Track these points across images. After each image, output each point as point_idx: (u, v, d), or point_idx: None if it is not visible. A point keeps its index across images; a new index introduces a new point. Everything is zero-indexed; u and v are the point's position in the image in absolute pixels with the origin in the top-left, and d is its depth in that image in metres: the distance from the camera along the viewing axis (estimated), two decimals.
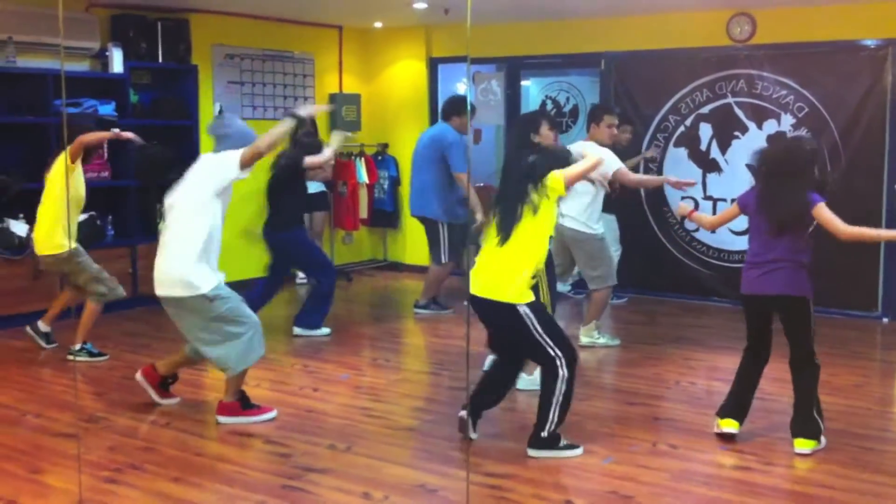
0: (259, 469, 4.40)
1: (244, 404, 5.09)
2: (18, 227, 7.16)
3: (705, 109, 8.24)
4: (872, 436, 4.87)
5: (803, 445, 4.56)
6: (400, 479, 4.27)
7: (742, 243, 8.14)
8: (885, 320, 7.63)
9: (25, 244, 7.12)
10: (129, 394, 5.62)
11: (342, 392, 5.68)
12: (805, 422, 4.58)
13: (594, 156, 4.75)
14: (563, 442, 4.55)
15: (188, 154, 8.33)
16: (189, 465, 4.44)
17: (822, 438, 4.62)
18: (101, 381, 5.88)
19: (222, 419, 5.03)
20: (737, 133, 8.13)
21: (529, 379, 5.67)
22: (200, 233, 4.82)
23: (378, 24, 9.74)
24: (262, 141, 4.83)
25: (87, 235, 6.89)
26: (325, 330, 7.12)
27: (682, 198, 8.35)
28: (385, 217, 10.06)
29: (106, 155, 7.74)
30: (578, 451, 4.54)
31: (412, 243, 10.14)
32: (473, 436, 4.68)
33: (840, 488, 4.16)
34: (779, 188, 4.56)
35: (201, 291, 4.80)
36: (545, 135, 5.48)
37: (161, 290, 4.93)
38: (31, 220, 7.24)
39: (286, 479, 4.25)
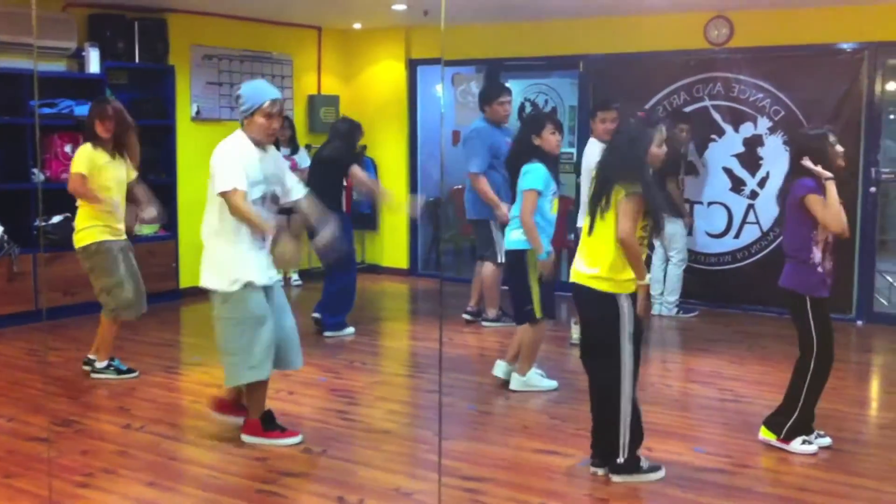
0: (233, 473, 4.37)
1: (266, 425, 4.77)
2: None
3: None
4: (847, 438, 4.89)
5: (763, 432, 4.73)
6: (375, 482, 4.25)
7: (719, 246, 8.19)
8: (860, 323, 7.68)
9: (1, 246, 7.05)
10: (102, 398, 5.57)
11: (318, 395, 5.65)
12: (776, 413, 4.71)
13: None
14: (644, 463, 4.31)
15: (166, 155, 8.36)
16: (163, 469, 4.41)
17: (797, 443, 4.61)
18: (75, 384, 5.82)
19: (245, 437, 4.76)
20: (713, 136, 8.16)
21: (522, 380, 5.67)
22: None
23: (357, 25, 9.71)
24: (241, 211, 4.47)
25: (63, 238, 6.83)
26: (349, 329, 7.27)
27: None
28: (363, 219, 10.02)
29: None
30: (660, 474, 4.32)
31: (390, 246, 10.13)
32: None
33: (815, 490, 4.17)
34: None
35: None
36: (546, 138, 5.45)
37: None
38: (5, 222, 7.18)
39: (261, 483, 4.23)
